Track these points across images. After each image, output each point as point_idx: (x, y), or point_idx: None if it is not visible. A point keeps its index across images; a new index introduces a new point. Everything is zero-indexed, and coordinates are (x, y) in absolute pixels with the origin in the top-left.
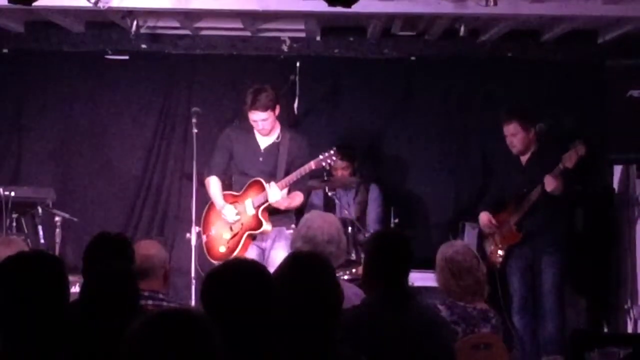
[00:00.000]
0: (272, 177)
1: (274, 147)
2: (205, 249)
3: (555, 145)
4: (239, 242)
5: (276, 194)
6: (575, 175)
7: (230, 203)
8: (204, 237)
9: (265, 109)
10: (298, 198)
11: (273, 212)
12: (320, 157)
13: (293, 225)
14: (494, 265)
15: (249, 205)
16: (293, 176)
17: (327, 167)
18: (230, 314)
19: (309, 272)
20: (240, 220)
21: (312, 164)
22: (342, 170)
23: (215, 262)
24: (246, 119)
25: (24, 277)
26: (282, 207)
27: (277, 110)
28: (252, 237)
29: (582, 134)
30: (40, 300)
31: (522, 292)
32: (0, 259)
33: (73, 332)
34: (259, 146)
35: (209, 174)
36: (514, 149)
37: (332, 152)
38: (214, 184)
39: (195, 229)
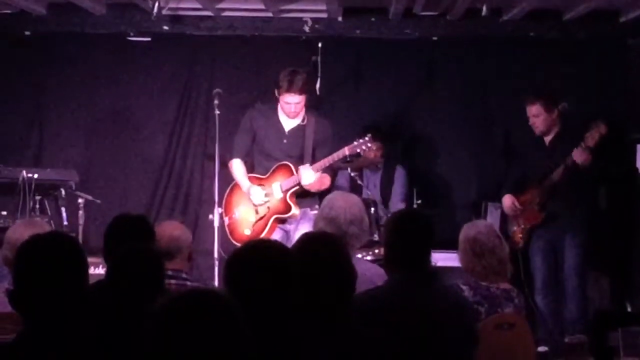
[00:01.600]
0: (297, 159)
1: (300, 129)
2: (228, 230)
3: (579, 125)
4: (265, 225)
5: (310, 176)
6: (598, 155)
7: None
8: (226, 219)
9: (301, 92)
10: (327, 180)
11: (298, 195)
12: (355, 143)
13: (317, 206)
14: (517, 245)
15: (277, 189)
16: (327, 160)
17: (361, 154)
18: (253, 295)
19: (319, 251)
20: (267, 204)
21: (346, 150)
22: (375, 152)
23: (239, 245)
24: (270, 100)
25: (40, 259)
26: (314, 189)
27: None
28: (279, 221)
29: (605, 113)
30: (58, 281)
31: (544, 272)
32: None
33: (98, 312)
34: (283, 128)
35: (233, 157)
36: (536, 130)
37: (367, 138)
38: (238, 167)
39: (217, 210)
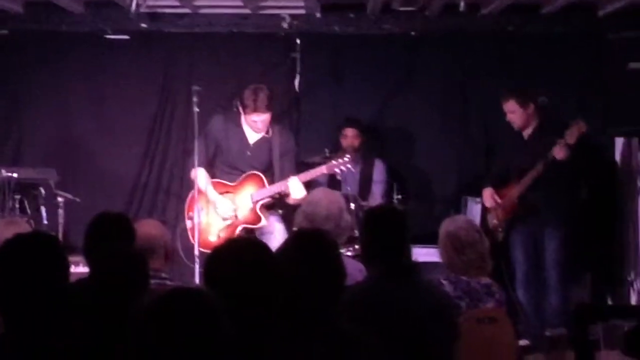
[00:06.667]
0: (261, 171)
1: (265, 142)
2: (190, 235)
3: (558, 119)
4: (233, 233)
5: (301, 190)
6: (578, 149)
7: (222, 193)
8: (188, 223)
9: (267, 109)
10: None
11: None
12: (334, 162)
13: (280, 210)
14: (497, 240)
15: (247, 199)
16: (311, 174)
17: (339, 173)
18: (233, 293)
19: (312, 250)
20: (235, 212)
21: (324, 169)
22: (352, 138)
23: (205, 250)
24: (234, 112)
25: (22, 258)
26: (294, 202)
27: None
28: (247, 231)
29: (584, 107)
30: (39, 281)
31: (525, 266)
32: (3, 241)
33: (80, 311)
34: (247, 140)
35: (195, 165)
36: (514, 125)
37: (346, 159)
38: (202, 176)
39: (197, 208)
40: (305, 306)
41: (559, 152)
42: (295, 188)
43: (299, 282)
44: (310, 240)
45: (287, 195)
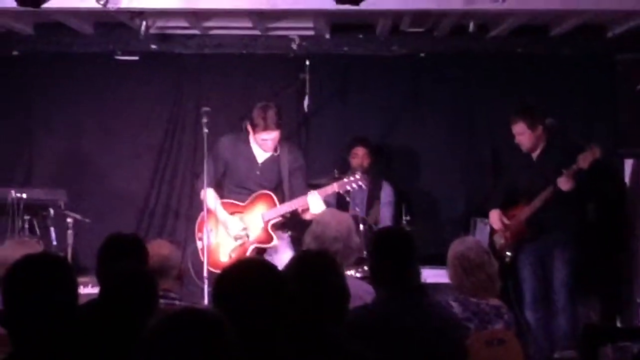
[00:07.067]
0: (270, 190)
1: (273, 160)
2: (201, 255)
3: (565, 140)
4: (244, 253)
5: (320, 205)
6: (589, 173)
7: (233, 213)
8: (199, 244)
9: (277, 127)
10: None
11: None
12: (345, 180)
13: (289, 232)
14: (505, 261)
15: (259, 218)
16: (328, 189)
17: (350, 191)
18: (242, 313)
19: (314, 271)
20: (246, 232)
21: (335, 186)
22: (361, 157)
23: (216, 271)
24: (242, 132)
25: (31, 279)
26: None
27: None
28: (259, 251)
29: (592, 129)
30: (48, 302)
31: (534, 287)
32: (12, 261)
33: (89, 332)
34: (256, 159)
35: (204, 186)
36: (522, 147)
37: (357, 176)
38: (212, 197)
39: (207, 229)
40: (309, 327)
41: (564, 184)
42: (314, 203)
43: (301, 303)
44: (313, 261)
45: (300, 212)
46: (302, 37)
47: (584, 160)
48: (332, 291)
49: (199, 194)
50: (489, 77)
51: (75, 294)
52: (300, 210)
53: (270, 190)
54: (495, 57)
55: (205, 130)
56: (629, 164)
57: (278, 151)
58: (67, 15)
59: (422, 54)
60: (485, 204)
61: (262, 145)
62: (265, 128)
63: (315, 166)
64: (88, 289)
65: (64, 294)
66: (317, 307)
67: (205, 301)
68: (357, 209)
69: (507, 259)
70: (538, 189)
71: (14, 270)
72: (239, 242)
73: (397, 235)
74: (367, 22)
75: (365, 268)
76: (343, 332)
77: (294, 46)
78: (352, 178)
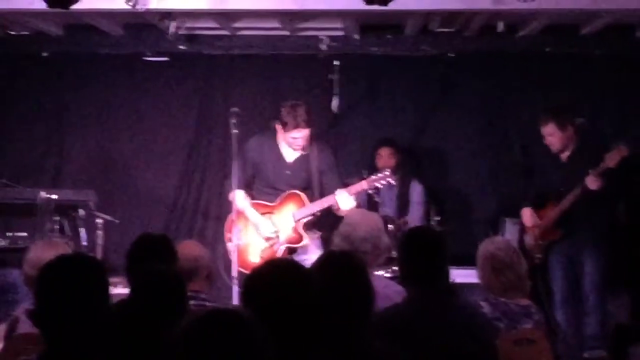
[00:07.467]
0: (301, 189)
1: (303, 159)
2: (230, 255)
3: (596, 140)
4: (275, 253)
5: (350, 202)
6: (617, 172)
7: (263, 214)
8: (228, 244)
9: (307, 124)
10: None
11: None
12: (373, 177)
13: (317, 231)
14: (535, 261)
15: (289, 218)
16: (358, 186)
17: (380, 188)
18: (272, 313)
19: (338, 271)
20: (277, 232)
21: (364, 184)
22: (386, 158)
23: (246, 271)
24: (270, 129)
25: (65, 280)
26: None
27: None
28: (290, 251)
29: (622, 128)
30: (81, 302)
31: (564, 287)
32: (43, 262)
33: (120, 333)
34: (285, 159)
35: (234, 187)
36: (552, 148)
37: (386, 172)
38: (242, 198)
39: (236, 230)
40: (334, 326)
41: (592, 183)
42: (343, 200)
43: (326, 302)
44: (337, 262)
45: (335, 210)
46: (331, 38)
47: (611, 159)
48: (357, 291)
49: (227, 195)
50: (519, 77)
51: (108, 295)
52: (335, 207)
53: (300, 189)
54: (524, 56)
55: (234, 130)
56: None
57: (307, 150)
58: (96, 16)
59: (451, 54)
60: (516, 205)
61: (293, 144)
62: (296, 126)
63: (344, 167)
64: (118, 289)
65: (97, 294)
66: (342, 307)
67: (235, 301)
68: (387, 209)
69: (537, 260)
70: (568, 190)
71: (48, 270)
72: (270, 242)
73: (428, 235)
74: (396, 22)
75: (395, 268)
76: (369, 331)
77: (323, 47)
78: (380, 175)
